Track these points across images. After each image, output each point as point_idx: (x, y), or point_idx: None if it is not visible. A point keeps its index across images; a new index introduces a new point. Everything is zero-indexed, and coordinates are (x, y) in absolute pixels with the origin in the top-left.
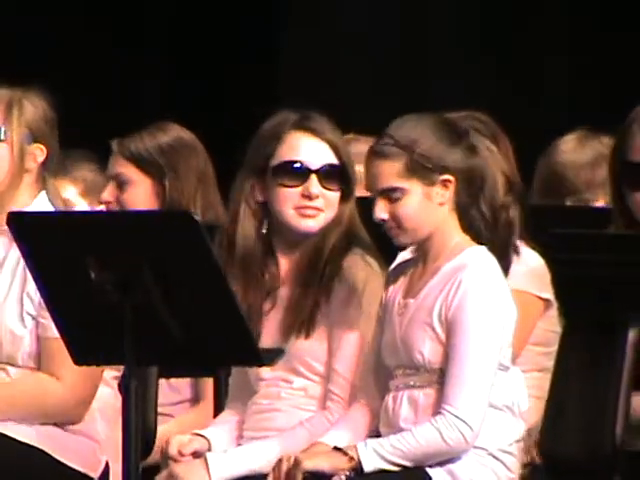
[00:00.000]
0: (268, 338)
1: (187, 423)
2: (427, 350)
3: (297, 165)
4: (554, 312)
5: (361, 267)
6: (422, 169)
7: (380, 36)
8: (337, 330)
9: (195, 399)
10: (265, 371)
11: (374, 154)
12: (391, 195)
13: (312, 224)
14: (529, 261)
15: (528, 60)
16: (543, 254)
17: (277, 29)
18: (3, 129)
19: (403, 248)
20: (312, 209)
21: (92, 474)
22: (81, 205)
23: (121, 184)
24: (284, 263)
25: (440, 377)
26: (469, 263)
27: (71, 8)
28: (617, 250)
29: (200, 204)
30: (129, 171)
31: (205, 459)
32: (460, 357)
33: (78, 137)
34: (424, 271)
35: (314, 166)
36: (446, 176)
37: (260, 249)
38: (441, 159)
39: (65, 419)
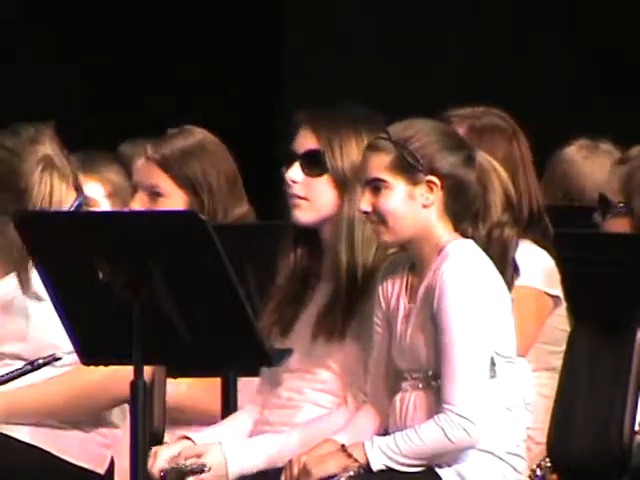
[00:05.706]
0: (305, 329)
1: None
2: (432, 355)
3: (286, 151)
4: (563, 311)
5: None
6: (408, 167)
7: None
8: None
9: None
10: (293, 362)
11: (368, 147)
12: (375, 187)
13: (298, 214)
14: (538, 259)
15: None
16: (551, 253)
17: None
18: None
19: None
20: (292, 197)
21: (99, 470)
22: (105, 206)
23: (154, 195)
24: (326, 256)
25: None
26: (449, 254)
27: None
28: (626, 250)
29: (230, 210)
30: (165, 184)
31: (220, 445)
32: (449, 352)
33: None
34: (421, 276)
35: (299, 151)
36: (432, 177)
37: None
38: (431, 160)
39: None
